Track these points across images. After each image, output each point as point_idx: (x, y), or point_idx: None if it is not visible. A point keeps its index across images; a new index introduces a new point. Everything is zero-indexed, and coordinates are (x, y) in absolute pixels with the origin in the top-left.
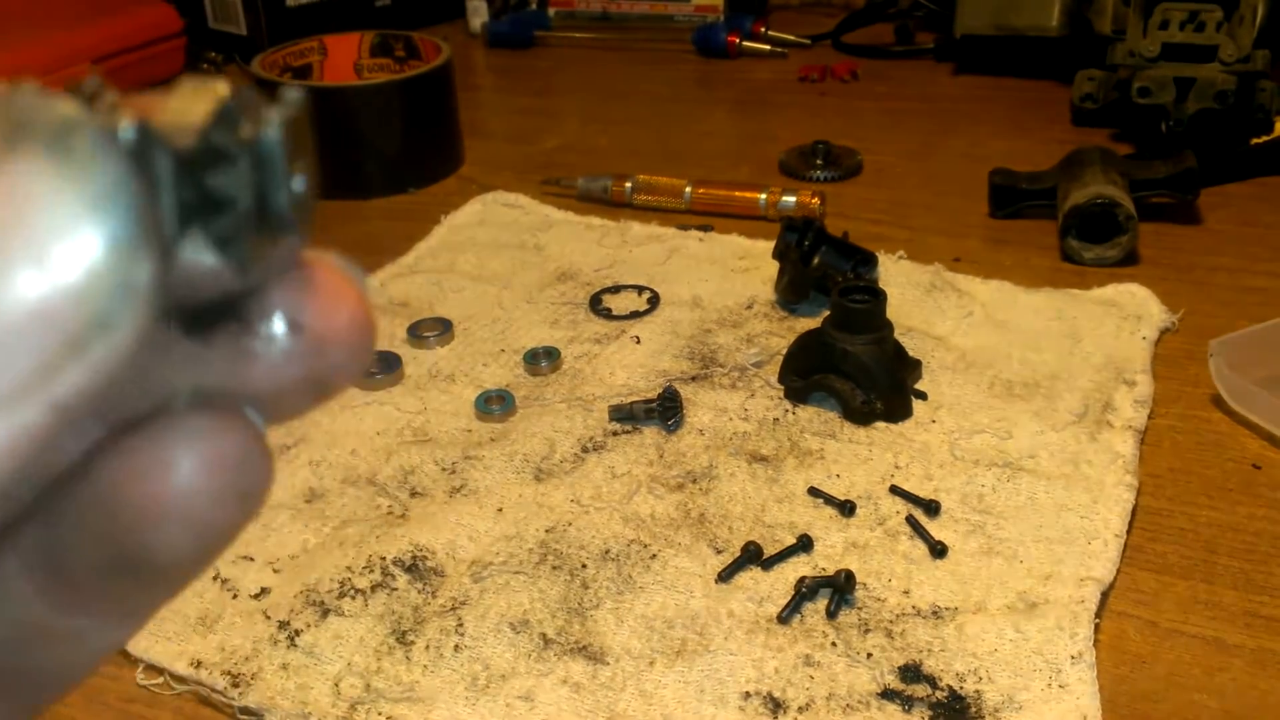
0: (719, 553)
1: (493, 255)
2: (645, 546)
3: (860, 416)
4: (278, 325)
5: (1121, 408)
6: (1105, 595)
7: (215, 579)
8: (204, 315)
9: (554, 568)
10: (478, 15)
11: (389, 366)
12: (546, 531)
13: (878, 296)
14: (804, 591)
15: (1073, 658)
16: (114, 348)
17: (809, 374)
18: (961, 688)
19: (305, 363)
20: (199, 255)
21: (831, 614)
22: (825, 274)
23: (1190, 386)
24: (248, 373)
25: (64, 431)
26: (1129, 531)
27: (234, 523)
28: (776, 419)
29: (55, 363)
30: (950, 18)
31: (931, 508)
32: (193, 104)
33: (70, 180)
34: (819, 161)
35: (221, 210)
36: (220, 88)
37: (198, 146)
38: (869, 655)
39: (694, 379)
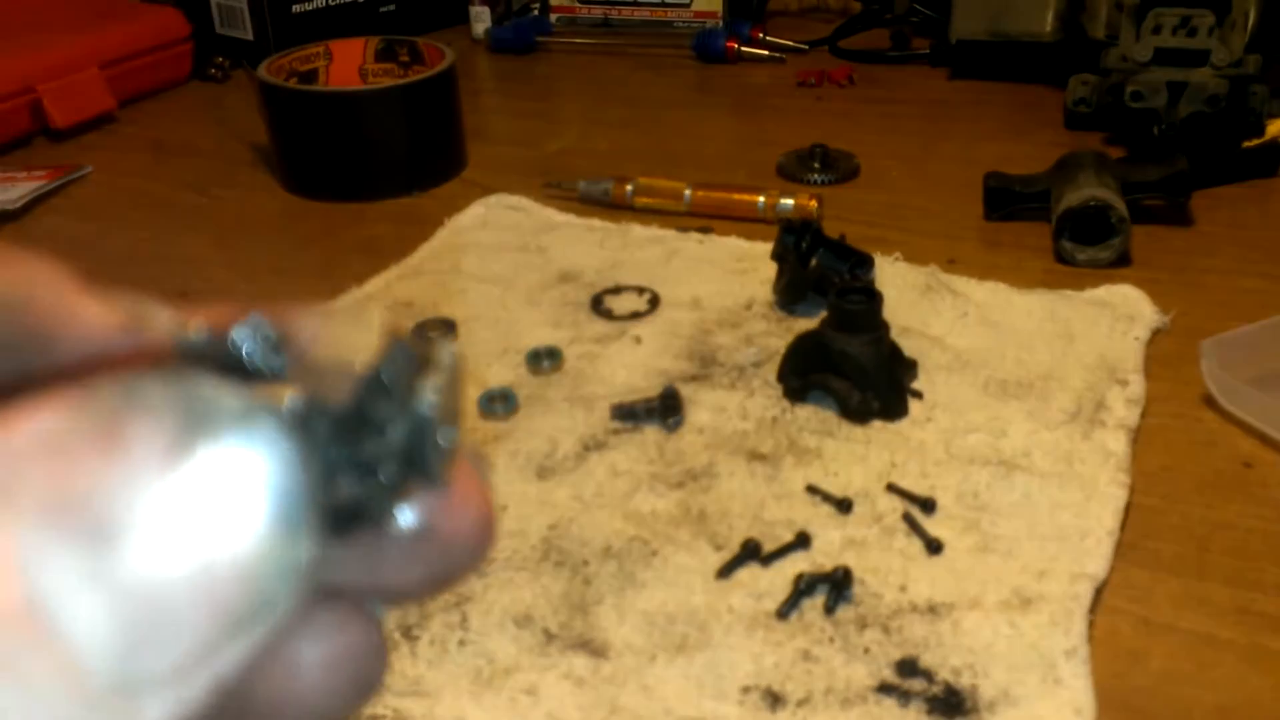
0: (719, 549)
1: (495, 257)
2: (646, 543)
3: (857, 415)
4: (408, 527)
5: (1114, 407)
6: (1099, 591)
7: None
8: (337, 518)
9: (556, 564)
10: (480, 21)
11: None
12: (549, 528)
13: (874, 297)
14: (802, 588)
15: (1067, 652)
16: (272, 625)
17: (807, 374)
18: (957, 682)
19: (431, 562)
20: (345, 493)
21: (829, 610)
22: (823, 275)
23: (1182, 386)
24: (375, 570)
25: (215, 695)
26: (1122, 528)
27: (349, 711)
28: (775, 418)
29: (217, 642)
30: (945, 23)
31: (927, 505)
32: (350, 338)
33: (243, 468)
34: (816, 165)
35: (372, 471)
36: (375, 328)
37: (354, 413)
38: (866, 650)
39: (694, 379)
